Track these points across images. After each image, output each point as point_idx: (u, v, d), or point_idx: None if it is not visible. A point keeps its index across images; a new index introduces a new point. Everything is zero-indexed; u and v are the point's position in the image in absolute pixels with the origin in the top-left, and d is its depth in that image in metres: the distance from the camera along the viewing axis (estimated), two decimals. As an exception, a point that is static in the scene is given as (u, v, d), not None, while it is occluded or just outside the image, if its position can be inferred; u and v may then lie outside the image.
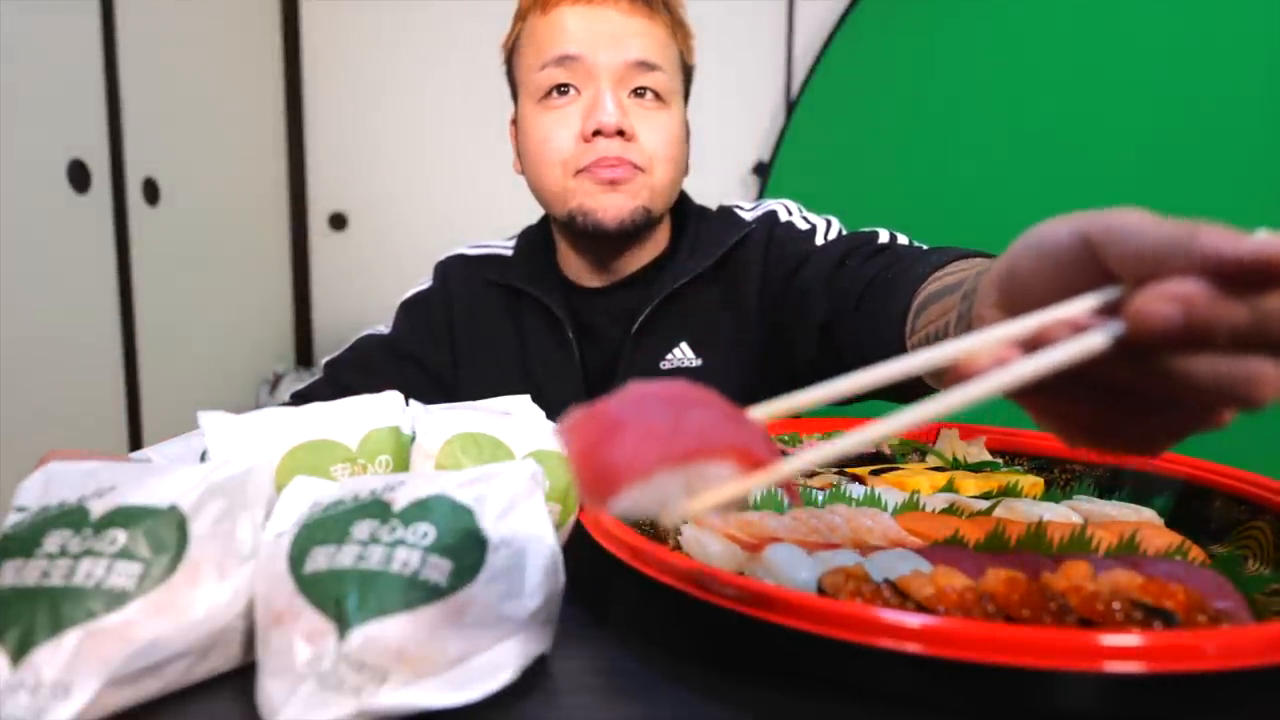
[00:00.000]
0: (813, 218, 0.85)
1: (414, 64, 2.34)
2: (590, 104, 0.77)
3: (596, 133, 0.77)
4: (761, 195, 2.22)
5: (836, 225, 0.84)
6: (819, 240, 0.80)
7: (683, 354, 0.84)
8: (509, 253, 0.93)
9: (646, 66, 0.78)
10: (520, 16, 0.83)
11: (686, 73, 0.85)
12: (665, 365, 0.84)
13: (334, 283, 2.42)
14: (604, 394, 0.27)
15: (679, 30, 0.83)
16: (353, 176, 2.39)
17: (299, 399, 0.84)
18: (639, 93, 0.79)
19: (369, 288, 2.35)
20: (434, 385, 0.89)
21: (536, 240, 0.93)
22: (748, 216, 0.89)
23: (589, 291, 0.88)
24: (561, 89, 0.78)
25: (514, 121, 0.88)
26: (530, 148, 0.81)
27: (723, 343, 0.84)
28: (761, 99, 2.32)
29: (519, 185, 0.87)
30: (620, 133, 0.77)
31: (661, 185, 0.81)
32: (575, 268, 0.89)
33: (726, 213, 0.90)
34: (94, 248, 1.63)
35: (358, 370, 0.88)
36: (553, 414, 0.71)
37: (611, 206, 0.78)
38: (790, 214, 0.87)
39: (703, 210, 0.92)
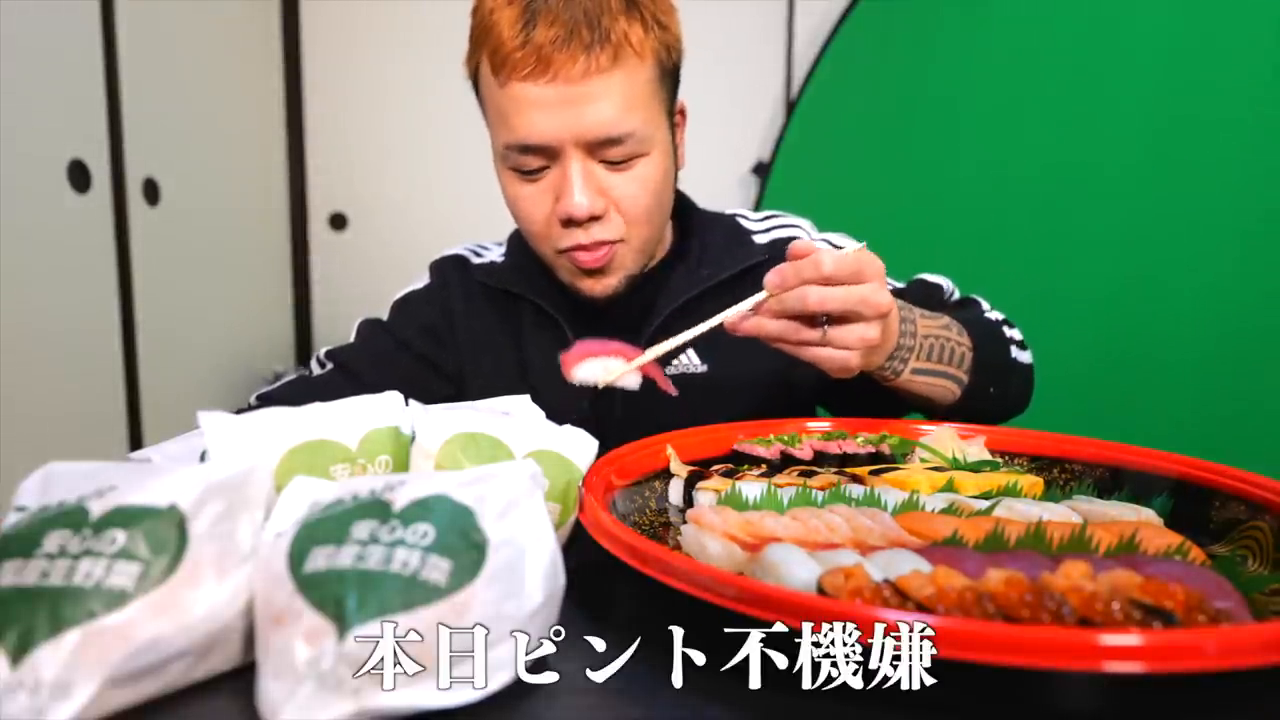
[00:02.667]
0: (838, 241, 0.87)
1: (414, 64, 2.34)
2: (559, 185, 0.73)
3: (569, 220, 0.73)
4: (761, 195, 2.22)
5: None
6: None
7: (689, 360, 0.83)
8: (501, 258, 0.91)
9: (612, 141, 0.71)
10: (477, 44, 0.74)
11: (673, 74, 0.77)
12: (671, 372, 0.82)
13: (334, 283, 2.42)
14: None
15: (650, 33, 0.72)
16: (353, 177, 2.39)
17: (265, 401, 0.82)
18: (610, 160, 0.73)
19: (369, 288, 2.34)
20: (438, 378, 0.88)
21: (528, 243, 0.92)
22: (755, 228, 0.89)
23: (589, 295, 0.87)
24: (528, 171, 0.74)
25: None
26: (510, 209, 0.79)
27: (732, 352, 0.81)
28: (761, 99, 2.31)
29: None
30: (593, 216, 0.73)
31: (644, 242, 0.78)
32: None
33: (734, 226, 0.89)
34: (94, 248, 1.63)
35: (366, 358, 0.86)
36: (551, 417, 0.72)
37: (597, 286, 0.78)
38: (813, 239, 0.87)
39: (706, 214, 0.91)
